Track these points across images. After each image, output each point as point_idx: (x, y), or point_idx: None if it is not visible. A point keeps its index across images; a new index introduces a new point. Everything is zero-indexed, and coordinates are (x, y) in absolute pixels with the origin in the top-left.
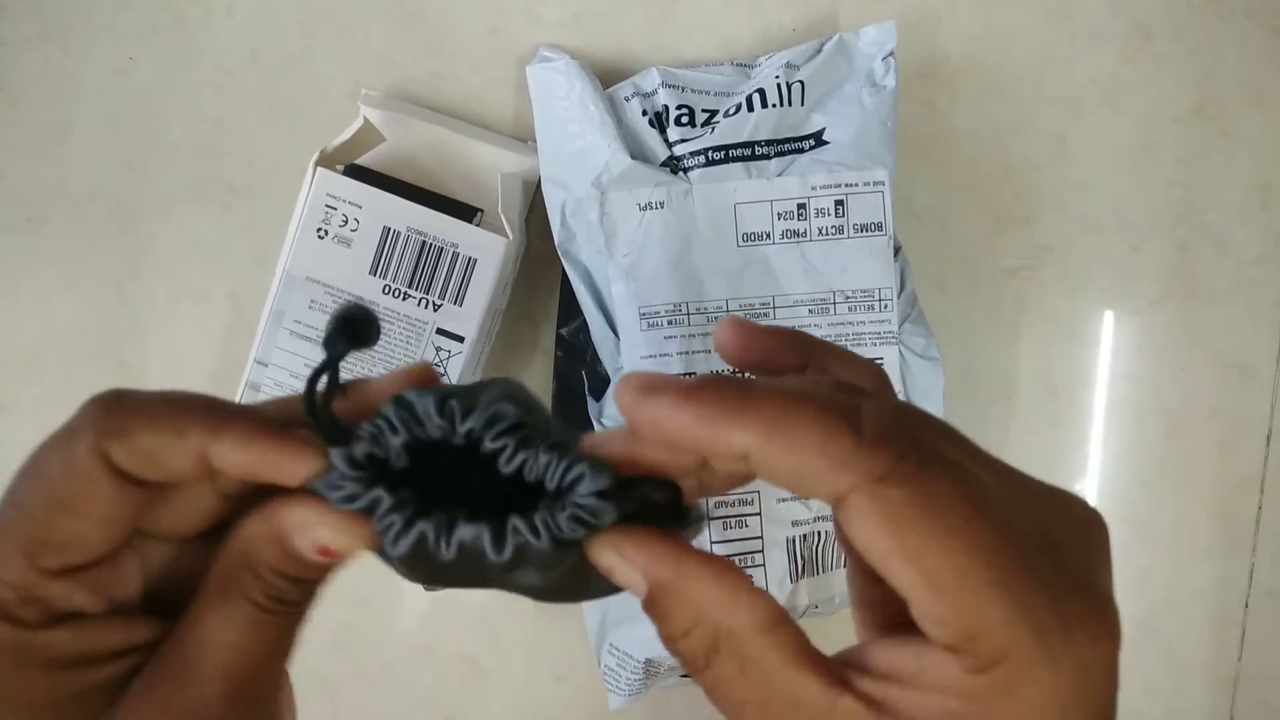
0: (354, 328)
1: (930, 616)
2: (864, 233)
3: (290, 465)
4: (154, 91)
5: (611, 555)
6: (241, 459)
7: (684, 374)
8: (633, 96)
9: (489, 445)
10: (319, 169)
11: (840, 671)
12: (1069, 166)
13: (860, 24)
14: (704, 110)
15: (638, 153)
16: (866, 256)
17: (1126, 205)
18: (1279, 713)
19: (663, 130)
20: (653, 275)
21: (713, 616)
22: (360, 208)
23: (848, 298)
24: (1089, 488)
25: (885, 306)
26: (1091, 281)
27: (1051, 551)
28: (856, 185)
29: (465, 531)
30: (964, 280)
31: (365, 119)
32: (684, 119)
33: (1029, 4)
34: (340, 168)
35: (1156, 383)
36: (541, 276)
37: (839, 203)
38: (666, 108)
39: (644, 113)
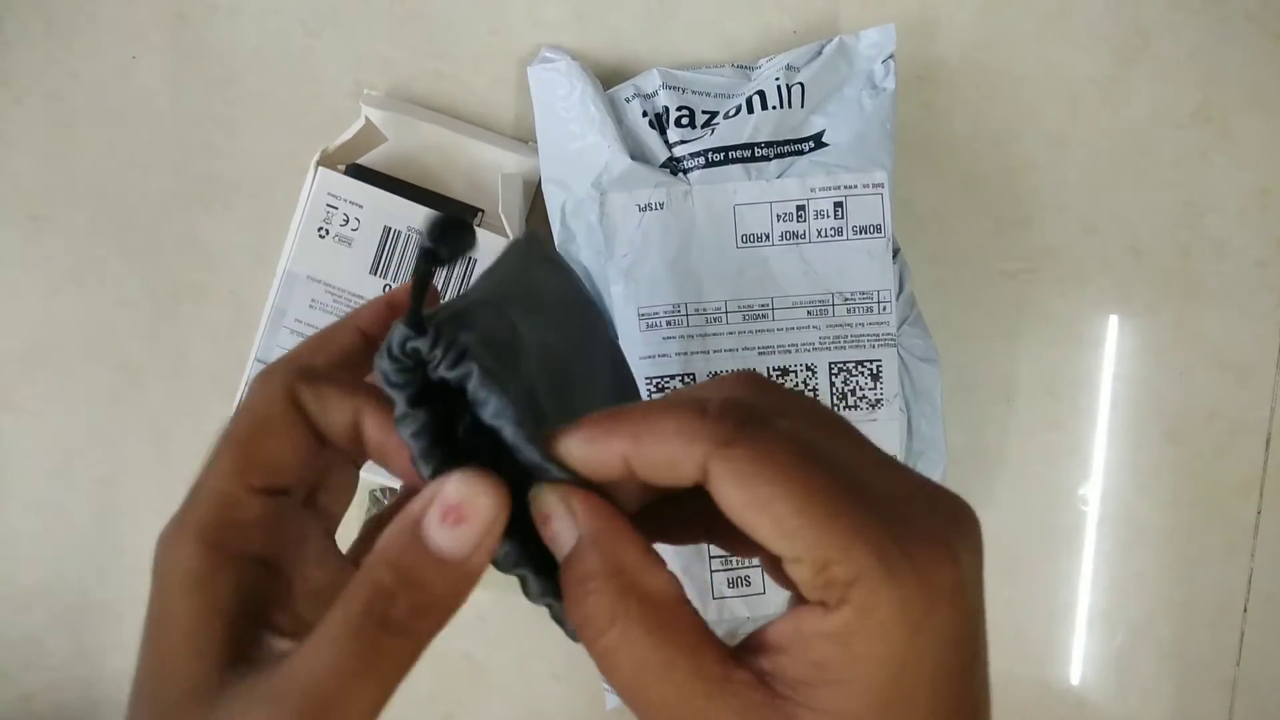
0: (451, 236)
1: (787, 557)
2: (863, 234)
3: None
4: (157, 90)
5: (554, 501)
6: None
7: (682, 374)
8: (633, 98)
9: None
10: (320, 168)
11: (735, 651)
12: (1068, 169)
13: (861, 26)
14: (704, 111)
15: (638, 154)
16: (865, 258)
17: (1126, 208)
18: (1278, 717)
19: (663, 131)
20: (651, 276)
21: (633, 575)
22: (361, 207)
23: (846, 299)
24: (1088, 490)
25: (884, 308)
26: (1091, 284)
27: (899, 501)
28: (855, 187)
29: None
30: (963, 282)
31: (367, 119)
32: (684, 120)
33: (1028, 7)
34: (342, 167)
35: (1156, 385)
36: None
37: (838, 205)
38: (667, 109)
39: (644, 114)
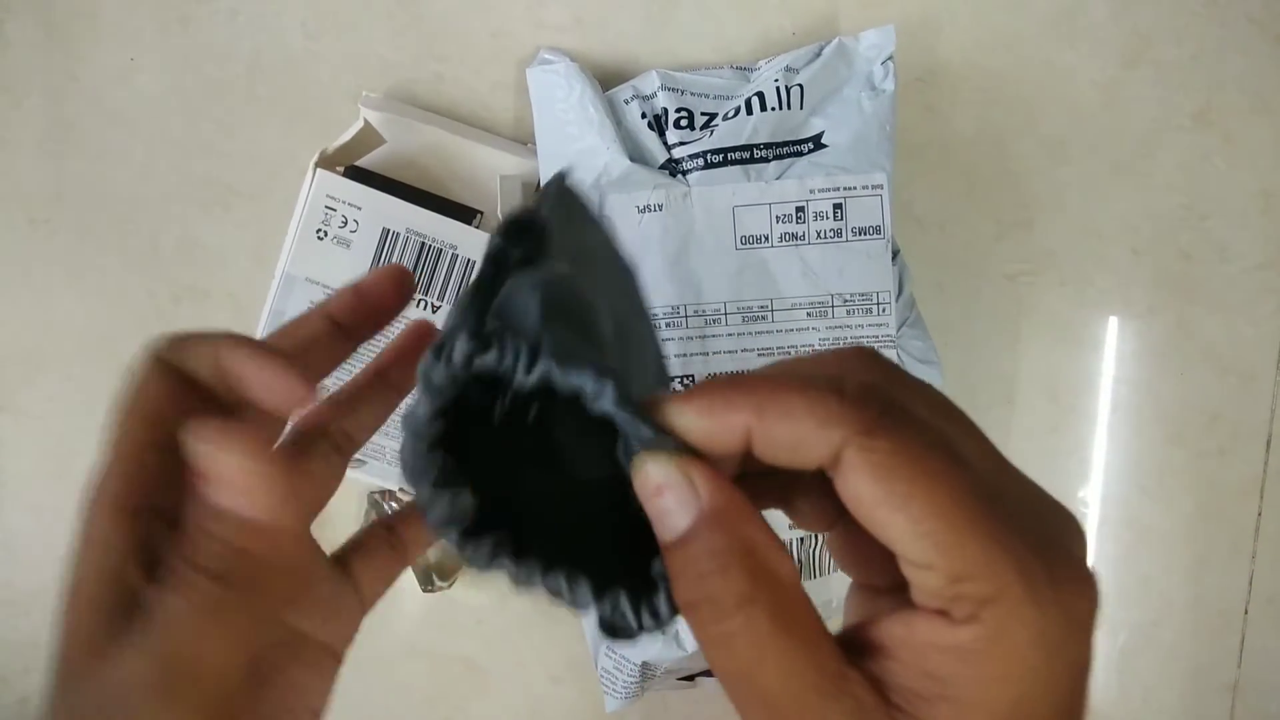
0: (520, 240)
1: (919, 562)
2: (862, 236)
3: None
4: (156, 92)
5: (673, 471)
6: None
7: (681, 376)
8: (632, 99)
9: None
10: (319, 170)
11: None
12: (1069, 171)
13: (860, 28)
14: (703, 113)
15: (637, 155)
16: (864, 259)
17: (1127, 211)
18: None
19: (661, 133)
20: (651, 277)
21: (763, 558)
22: (360, 209)
23: (846, 301)
24: (1089, 493)
25: (883, 310)
26: (1092, 287)
27: (1034, 515)
28: (855, 189)
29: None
30: (964, 285)
31: (365, 121)
32: (683, 121)
33: (1030, 9)
34: (340, 169)
35: (1157, 388)
36: None
37: (837, 206)
38: (665, 110)
39: (643, 115)
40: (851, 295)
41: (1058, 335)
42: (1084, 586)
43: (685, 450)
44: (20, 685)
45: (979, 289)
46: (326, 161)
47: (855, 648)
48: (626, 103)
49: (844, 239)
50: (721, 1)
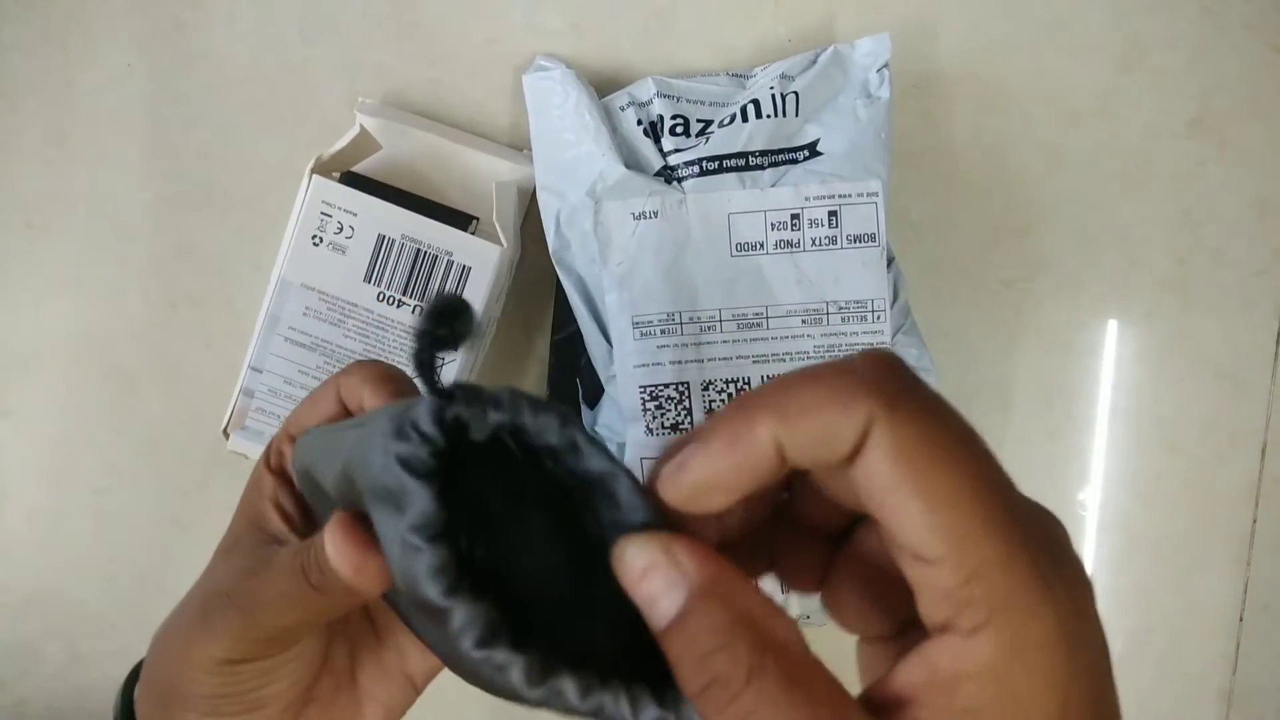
0: (449, 321)
1: (930, 556)
2: (857, 243)
3: None
4: (153, 98)
5: (654, 550)
6: None
7: (675, 383)
8: (628, 106)
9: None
10: (315, 176)
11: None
12: (1065, 178)
13: (856, 35)
14: (699, 120)
15: (632, 162)
16: (860, 267)
17: (1123, 217)
18: None
19: (657, 140)
20: (646, 284)
21: (762, 626)
22: (355, 215)
23: (841, 308)
24: (1085, 499)
25: (878, 317)
26: (1088, 293)
27: (1029, 510)
28: (850, 196)
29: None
30: (960, 291)
31: (361, 127)
32: (679, 129)
33: (1025, 16)
34: (336, 175)
35: (1153, 395)
36: (536, 284)
37: (832, 214)
38: (661, 117)
39: (639, 122)
40: (847, 303)
41: (1054, 342)
42: (1082, 575)
43: (664, 525)
44: (18, 688)
45: (975, 295)
46: (322, 167)
47: (879, 707)
48: (622, 109)
49: (839, 246)
50: (718, 9)
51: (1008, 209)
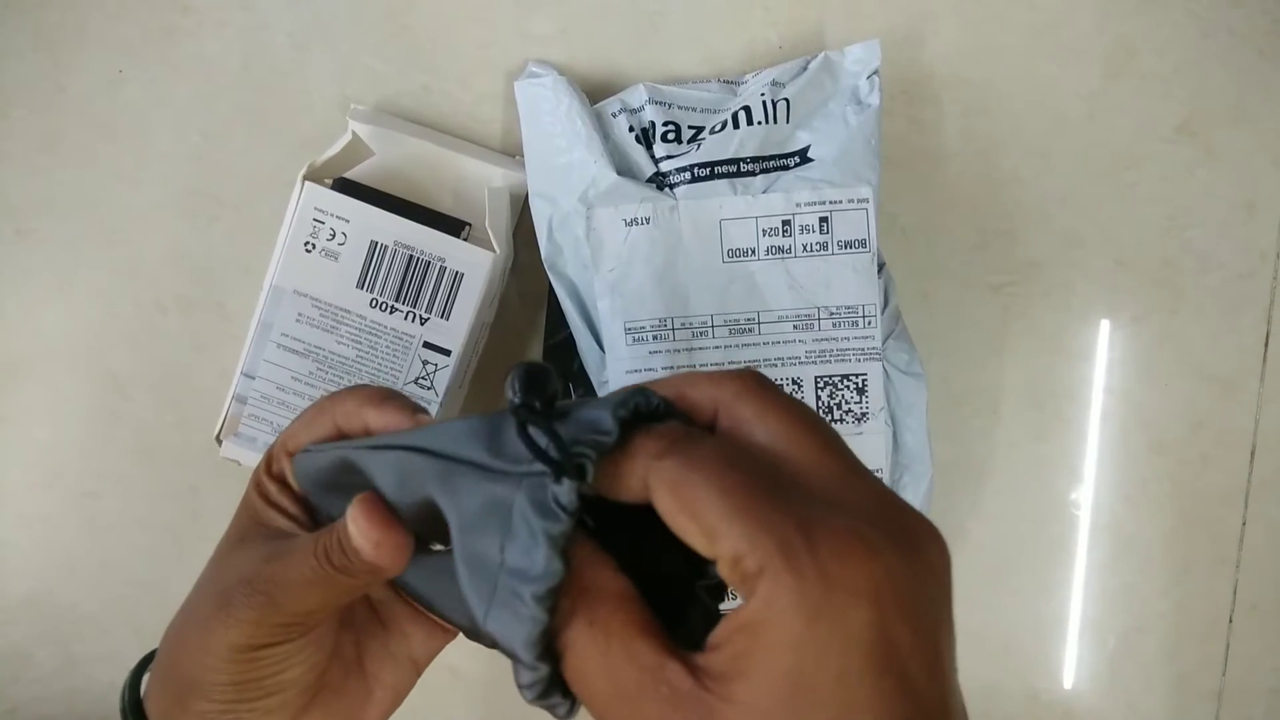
0: (538, 391)
1: (710, 555)
2: (848, 249)
3: None
4: (143, 104)
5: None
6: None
7: None
8: (620, 113)
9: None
10: (307, 183)
11: (677, 649)
12: (1053, 182)
13: (846, 42)
14: (690, 127)
15: (624, 169)
16: (850, 273)
17: (1111, 221)
18: None
19: (649, 146)
20: (638, 290)
21: (584, 578)
22: (348, 221)
23: (832, 314)
24: (1075, 500)
25: (869, 323)
26: (1076, 296)
27: (817, 505)
28: (841, 202)
29: None
30: (950, 295)
31: (354, 133)
32: (670, 135)
33: (1014, 22)
34: (328, 181)
35: (1141, 397)
36: (529, 289)
37: (823, 220)
38: (653, 124)
39: (630, 129)
40: (837, 308)
41: (1042, 345)
42: (848, 550)
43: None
44: (9, 694)
45: (964, 299)
46: (314, 174)
47: (699, 649)
48: (614, 116)
49: (830, 252)
50: (708, 15)
51: (996, 213)
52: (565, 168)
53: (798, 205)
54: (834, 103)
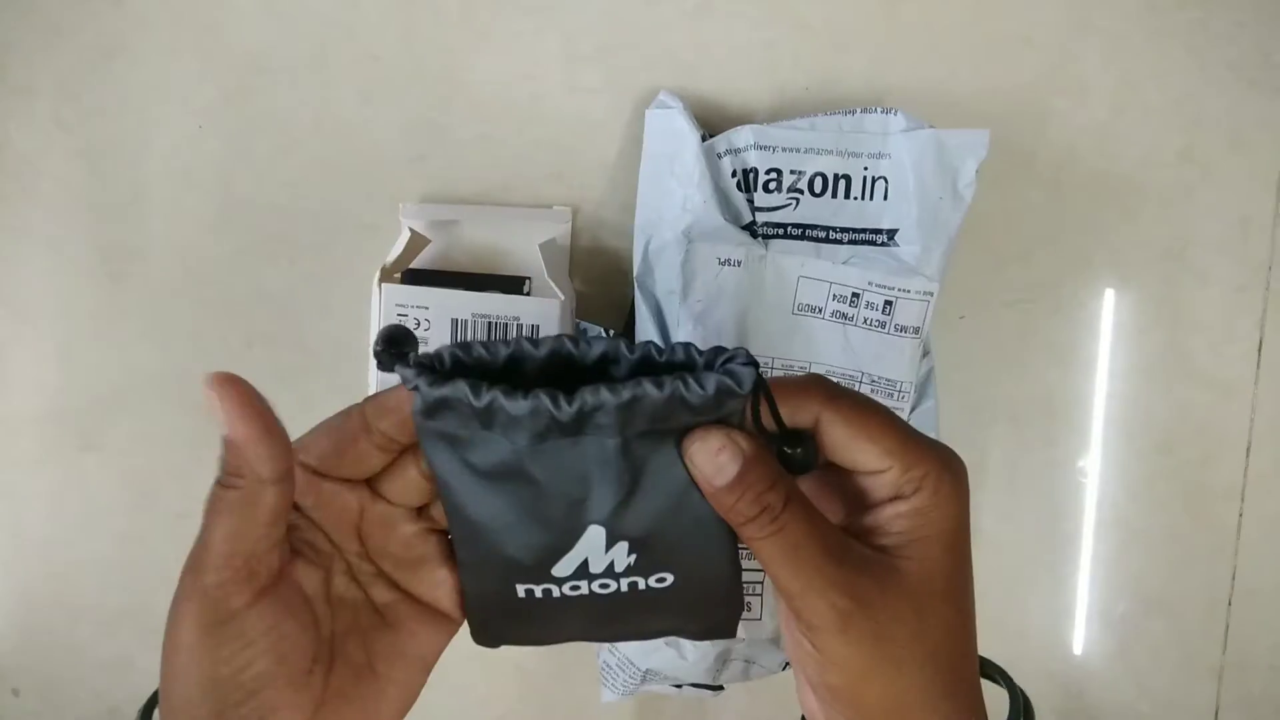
0: (398, 344)
1: (882, 468)
2: (902, 334)
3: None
4: (223, 156)
5: (723, 437)
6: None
7: None
8: (725, 153)
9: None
10: (383, 285)
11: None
12: (1063, 208)
13: (870, 86)
14: (792, 172)
15: (725, 209)
16: (898, 354)
17: (1117, 241)
18: (1261, 700)
19: (749, 191)
20: (719, 325)
21: (788, 482)
22: (427, 308)
23: (873, 381)
24: (1085, 499)
25: (902, 397)
26: (1085, 311)
27: (928, 440)
28: (909, 292)
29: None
30: (968, 313)
31: (410, 230)
32: (772, 185)
33: (1025, 62)
34: (398, 276)
35: (1146, 403)
36: (589, 310)
37: (888, 303)
38: (755, 170)
39: (733, 173)
40: (879, 378)
41: (1054, 357)
42: (960, 466)
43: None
44: (111, 695)
45: (981, 316)
46: (386, 274)
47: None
48: (720, 156)
49: (887, 332)
50: (737, 60)
51: (1011, 237)
52: (677, 201)
53: (869, 283)
54: (931, 182)
